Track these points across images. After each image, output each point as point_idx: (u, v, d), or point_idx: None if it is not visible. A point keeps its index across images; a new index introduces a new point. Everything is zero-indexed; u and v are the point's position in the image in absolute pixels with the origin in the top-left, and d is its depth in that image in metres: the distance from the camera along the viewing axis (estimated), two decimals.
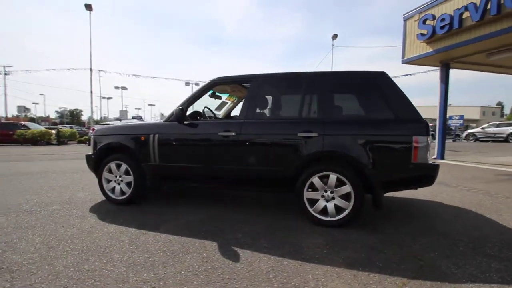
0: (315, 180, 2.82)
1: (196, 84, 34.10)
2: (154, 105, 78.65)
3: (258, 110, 3.11)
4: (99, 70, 15.27)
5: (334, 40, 19.73)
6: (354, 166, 2.74)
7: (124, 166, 3.43)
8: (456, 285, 1.80)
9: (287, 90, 3.09)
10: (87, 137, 15.87)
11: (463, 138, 20.86)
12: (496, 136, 18.27)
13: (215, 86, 3.38)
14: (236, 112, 4.88)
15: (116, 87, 38.73)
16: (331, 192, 2.80)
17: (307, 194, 2.86)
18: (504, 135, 17.81)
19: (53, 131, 15.48)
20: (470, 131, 20.57)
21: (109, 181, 3.55)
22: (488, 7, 5.22)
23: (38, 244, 2.35)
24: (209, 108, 3.92)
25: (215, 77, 3.34)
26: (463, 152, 11.45)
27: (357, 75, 2.95)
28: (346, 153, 2.74)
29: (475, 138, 19.60)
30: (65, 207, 3.42)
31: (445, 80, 7.74)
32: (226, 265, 2.03)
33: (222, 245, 2.36)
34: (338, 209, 2.78)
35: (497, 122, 21.20)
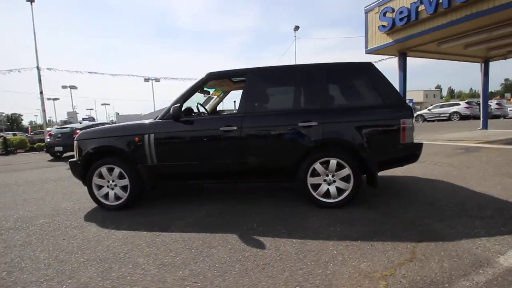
0: (317, 166, 3.01)
1: (157, 80, 32.41)
2: (108, 104, 72.75)
3: (257, 103, 3.17)
4: (49, 69, 13.58)
5: (296, 31, 20.29)
6: (352, 150, 2.99)
7: (117, 170, 3.26)
8: (455, 242, 2.13)
9: (283, 82, 3.20)
10: (40, 143, 14.31)
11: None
12: (441, 115, 20.62)
13: (209, 81, 3.35)
14: (221, 107, 4.88)
15: (64, 86, 35.06)
16: (332, 176, 3.02)
17: (310, 180, 3.04)
18: (447, 114, 20.21)
19: None
20: (418, 112, 22.83)
21: (100, 187, 3.35)
22: (440, 1, 5.88)
23: (46, 259, 2.19)
24: (201, 104, 3.87)
25: (208, 71, 3.31)
26: (417, 131, 12.77)
27: (347, 66, 3.17)
28: (344, 139, 2.97)
29: (423, 118, 21.86)
30: (55, 219, 3.17)
31: (402, 67, 8.54)
32: (255, 253, 2.12)
33: (242, 236, 2.43)
34: (339, 191, 3.02)
35: (440, 104, 23.87)
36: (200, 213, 3.10)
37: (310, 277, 1.77)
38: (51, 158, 10.19)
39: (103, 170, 3.28)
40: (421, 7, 6.32)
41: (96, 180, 3.32)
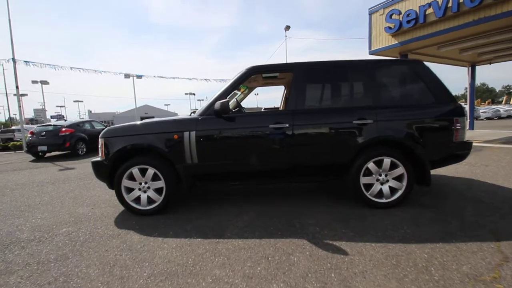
0: (371, 165, 2.91)
1: (139, 77, 30.86)
2: (81, 101, 68.44)
3: (306, 100, 3.00)
4: (27, 62, 12.25)
5: (287, 31, 20.29)
6: (407, 149, 2.92)
7: (151, 171, 2.94)
8: None
9: (334, 78, 3.05)
10: (15, 142, 13.04)
11: None
12: None
13: (252, 75, 3.13)
14: (244, 103, 4.65)
15: (34, 81, 32.56)
16: (386, 175, 2.94)
17: (363, 180, 2.93)
18: None
19: None
20: None
21: (131, 189, 3.01)
22: (450, 5, 6.08)
23: (100, 277, 1.87)
24: (237, 100, 3.63)
25: (251, 65, 3.09)
26: None
27: (398, 63, 3.10)
28: (399, 137, 2.89)
29: None
30: (80, 227, 2.78)
31: None
32: (343, 260, 1.95)
33: (313, 240, 2.26)
34: (392, 191, 2.94)
35: None
36: (247, 216, 2.87)
37: (423, 284, 1.64)
38: (33, 158, 9.29)
39: (135, 171, 2.95)
40: (429, 11, 6.51)
41: (126, 182, 2.97)
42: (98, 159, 3.11)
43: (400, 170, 2.90)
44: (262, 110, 12.35)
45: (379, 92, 3.00)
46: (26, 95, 40.00)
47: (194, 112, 3.22)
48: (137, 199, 3.02)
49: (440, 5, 6.22)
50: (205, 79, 24.71)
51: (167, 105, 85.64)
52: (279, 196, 3.53)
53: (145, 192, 3.01)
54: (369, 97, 2.98)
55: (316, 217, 2.75)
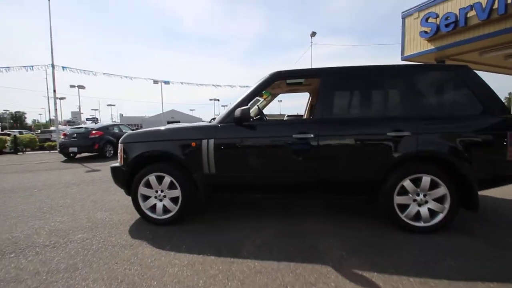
0: (407, 183, 2.58)
1: (166, 83, 32.05)
2: (114, 105, 72.37)
3: (335, 108, 2.75)
4: (64, 67, 13.16)
5: (312, 37, 20.03)
6: (450, 166, 2.55)
7: (168, 179, 2.84)
8: None
9: (367, 84, 2.78)
10: (50, 143, 13.91)
11: None
12: None
13: (275, 81, 2.94)
14: (266, 110, 4.47)
15: (72, 86, 34.84)
16: (424, 196, 2.59)
17: (397, 199, 2.60)
18: None
19: (8, 138, 13.31)
20: None
21: (147, 197, 2.92)
22: (495, 6, 5.52)
23: None
24: (258, 107, 3.46)
25: (274, 71, 2.91)
26: None
27: (441, 68, 2.76)
28: (442, 153, 2.54)
29: None
30: (95, 234, 2.73)
31: None
32: None
33: (339, 269, 1.98)
34: (432, 214, 2.59)
35: None
36: (266, 233, 2.65)
37: None
38: (65, 159, 9.78)
39: (152, 178, 2.86)
40: (471, 13, 5.96)
41: (142, 189, 2.89)
42: (117, 164, 3.06)
43: (442, 190, 2.54)
44: (285, 117, 12.11)
45: (419, 101, 2.67)
46: (65, 98, 43.03)
47: (214, 119, 3.09)
48: (153, 208, 2.92)
49: (484, 6, 5.67)
50: (229, 85, 25.00)
51: (192, 110, 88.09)
52: (300, 212, 3.27)
53: (161, 200, 2.90)
54: (406, 106, 2.66)
55: (342, 240, 2.47)
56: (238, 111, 2.69)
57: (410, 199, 2.61)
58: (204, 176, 2.80)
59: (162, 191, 2.88)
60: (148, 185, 2.90)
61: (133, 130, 12.51)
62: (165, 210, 2.90)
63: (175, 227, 2.82)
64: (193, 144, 2.79)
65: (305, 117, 4.60)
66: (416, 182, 2.58)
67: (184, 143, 2.82)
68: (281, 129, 2.77)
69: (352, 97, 2.85)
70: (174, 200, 2.89)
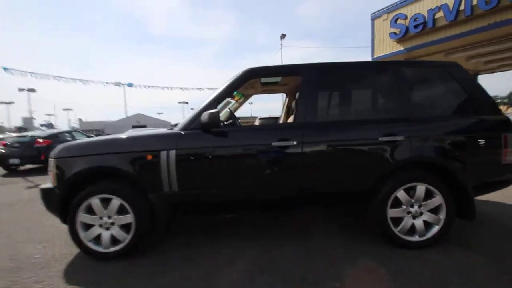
0: (400, 193, 2.27)
1: (129, 85, 30.08)
2: (71, 109, 66.82)
3: (319, 111, 2.37)
4: (5, 68, 11.39)
5: (282, 39, 20.02)
6: (446, 173, 2.29)
7: (116, 202, 2.24)
8: None
9: (355, 83, 2.43)
10: None
11: None
12: None
13: (249, 79, 2.48)
14: (239, 113, 4.01)
15: (21, 89, 31.50)
16: (419, 207, 2.30)
17: (391, 212, 2.28)
18: None
19: None
20: None
21: (89, 226, 2.29)
22: (462, 8, 5.64)
23: None
24: (230, 110, 2.97)
25: (248, 67, 2.45)
26: None
27: (433, 65, 2.50)
28: (437, 158, 2.26)
29: None
30: (15, 280, 2.04)
31: None
32: None
33: None
34: (426, 226, 2.31)
35: None
36: (244, 261, 2.16)
37: None
38: (5, 172, 8.40)
39: (95, 201, 2.24)
40: (439, 14, 6.07)
41: (82, 216, 2.26)
42: (49, 185, 2.38)
43: (438, 200, 2.27)
44: (257, 120, 11.68)
45: (411, 101, 2.38)
46: (13, 102, 38.81)
47: (175, 126, 2.54)
48: (97, 238, 2.30)
49: (451, 8, 5.79)
50: (197, 88, 24.17)
51: (160, 114, 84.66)
52: (282, 230, 2.83)
53: (108, 229, 2.29)
54: (398, 107, 2.35)
55: (334, 264, 2.07)
56: (205, 115, 2.18)
57: (404, 211, 2.30)
58: (164, 196, 2.25)
59: (109, 217, 2.27)
60: (90, 210, 2.27)
61: (90, 137, 11.30)
62: (114, 240, 2.29)
63: (127, 262, 2.23)
64: (149, 156, 2.23)
65: (281, 121, 4.20)
66: (409, 192, 2.29)
67: (137, 156, 2.24)
68: (257, 136, 2.31)
69: (338, 97, 2.49)
70: (125, 227, 2.30)
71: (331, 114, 2.41)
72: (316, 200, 2.36)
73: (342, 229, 2.77)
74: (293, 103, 3.32)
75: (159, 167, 2.22)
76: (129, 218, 2.25)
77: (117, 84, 25.36)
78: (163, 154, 2.22)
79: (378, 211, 2.28)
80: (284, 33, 20.06)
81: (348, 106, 2.46)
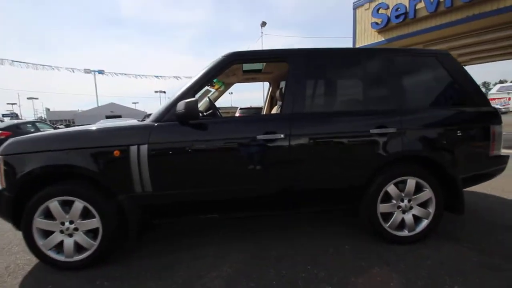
0: (391, 188, 2.19)
1: (100, 72, 28.16)
2: (36, 98, 61.68)
3: (308, 101, 2.19)
4: None
5: (263, 27, 19.52)
6: (437, 166, 2.22)
7: (79, 205, 1.95)
8: None
9: (345, 70, 2.27)
10: None
11: None
12: None
13: (232, 65, 2.23)
14: (218, 103, 3.74)
15: None
16: (409, 201, 2.23)
17: (381, 208, 2.19)
18: None
19: None
20: None
21: (48, 232, 2.00)
22: None
23: None
24: (210, 99, 2.71)
25: (230, 52, 2.20)
26: None
27: (424, 53, 2.39)
28: (429, 151, 2.19)
29: None
30: None
31: None
32: None
33: None
34: (416, 220, 2.26)
35: None
36: (227, 268, 1.98)
37: None
38: None
39: (54, 205, 1.94)
40: (420, 5, 6.07)
41: (39, 222, 1.95)
42: None
43: (427, 194, 2.21)
44: (238, 110, 11.38)
45: (403, 92, 2.26)
46: None
47: (148, 116, 2.26)
48: (59, 246, 2.01)
49: None
50: (174, 77, 23.23)
51: (135, 103, 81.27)
52: (267, 230, 2.67)
53: (71, 235, 2.00)
54: (390, 97, 2.23)
55: (325, 267, 1.94)
56: (181, 105, 1.92)
57: (394, 206, 2.22)
58: (136, 197, 1.99)
59: (71, 222, 1.98)
60: (48, 215, 1.96)
61: (55, 128, 10.47)
62: (79, 248, 2.01)
63: (95, 272, 1.97)
64: (116, 152, 1.94)
65: (264, 111, 3.99)
66: (399, 186, 2.21)
67: (102, 151, 1.95)
68: (241, 128, 2.09)
69: (329, 86, 2.32)
70: (91, 233, 2.02)
71: (321, 105, 2.24)
72: (307, 199, 2.22)
73: (331, 223, 2.67)
74: (277, 93, 3.12)
75: (128, 165, 1.95)
76: (95, 222, 1.98)
77: (86, 71, 23.72)
78: (133, 149, 1.95)
79: (369, 206, 2.18)
80: (264, 21, 19.60)
81: (339, 96, 2.30)
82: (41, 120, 9.70)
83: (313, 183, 2.15)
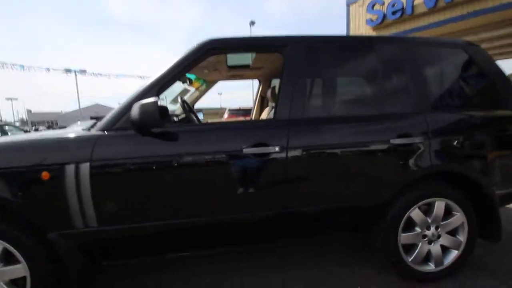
0: (415, 212, 1.72)
1: (83, 71, 26.82)
2: (16, 99, 58.48)
3: (309, 103, 1.69)
4: None
5: (251, 26, 19.02)
6: (472, 183, 1.77)
7: None
8: None
9: (358, 64, 1.77)
10: None
11: None
12: None
13: (209, 55, 1.70)
14: (205, 103, 3.20)
15: None
16: (436, 228, 1.76)
17: (403, 238, 1.72)
18: None
19: None
20: None
21: None
22: None
23: None
24: (182, 100, 2.16)
25: (207, 38, 1.67)
26: None
27: (450, 44, 1.93)
28: (463, 166, 1.74)
29: None
30: None
31: None
32: None
33: None
34: (444, 251, 1.80)
35: None
36: None
37: None
38: None
39: None
40: (418, 1, 5.73)
41: None
42: None
43: (459, 218, 1.77)
44: (227, 112, 10.77)
45: (428, 91, 1.80)
46: None
47: (96, 120, 1.69)
48: None
49: None
50: None
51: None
52: (262, 261, 2.16)
53: None
54: (412, 97, 1.76)
55: None
56: (137, 108, 1.38)
57: (419, 235, 1.75)
58: (75, 236, 1.44)
59: None
60: None
61: (26, 131, 9.61)
62: None
63: None
64: (45, 175, 1.38)
65: (253, 115, 3.47)
66: (422, 209, 1.75)
67: (23, 172, 1.39)
68: (222, 139, 1.56)
69: (336, 84, 1.83)
70: (14, 284, 1.46)
71: (326, 108, 1.74)
72: (303, 227, 1.72)
73: (338, 250, 2.18)
74: (268, 92, 2.62)
75: (63, 191, 1.39)
76: (19, 269, 1.42)
77: (67, 70, 22.58)
78: (70, 169, 1.39)
79: (387, 237, 1.71)
80: (253, 20, 19.11)
81: (350, 96, 1.82)
82: (10, 124, 8.87)
83: (314, 210, 1.65)
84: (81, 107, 35.77)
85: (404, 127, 1.67)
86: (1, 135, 8.18)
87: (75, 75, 23.98)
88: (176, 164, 1.48)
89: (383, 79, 1.75)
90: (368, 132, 1.66)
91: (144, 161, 1.46)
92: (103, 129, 1.49)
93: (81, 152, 1.40)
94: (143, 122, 1.38)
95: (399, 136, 1.63)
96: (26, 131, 9.53)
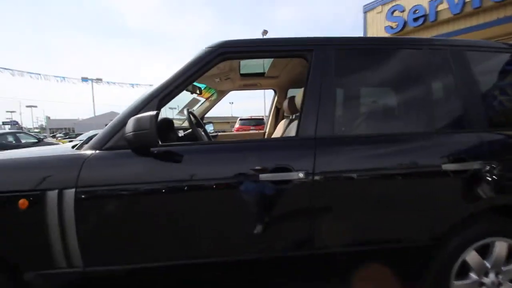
0: (471, 256, 1.38)
1: (98, 80, 27.52)
2: (35, 106, 61.24)
3: (341, 118, 1.41)
4: None
5: (264, 36, 19.04)
6: None
7: None
8: None
9: (399, 72, 1.48)
10: None
11: None
12: None
13: (221, 60, 1.46)
14: (215, 113, 2.98)
15: None
16: (497, 274, 1.42)
17: (457, 286, 1.39)
18: None
19: None
20: None
21: None
22: None
23: None
24: (192, 114, 1.92)
25: (219, 41, 1.43)
26: None
27: (503, 48, 1.62)
28: None
29: None
30: None
31: None
32: None
33: None
34: None
35: None
36: None
37: None
38: None
39: None
40: (442, 6, 5.42)
41: None
42: None
43: None
44: (238, 122, 10.55)
45: (485, 104, 1.48)
46: None
47: (91, 139, 1.46)
48: None
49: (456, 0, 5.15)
50: None
51: None
52: None
53: None
54: (470, 114, 1.44)
55: None
56: (131, 123, 1.14)
57: (475, 284, 1.41)
58: (56, 277, 1.19)
59: None
60: None
61: (40, 139, 9.69)
62: None
63: None
64: (23, 203, 1.15)
65: (268, 128, 3.19)
66: (484, 251, 1.41)
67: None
68: (233, 161, 1.30)
69: (373, 95, 1.54)
70: None
71: (361, 124, 1.45)
72: (332, 274, 1.41)
73: None
74: (285, 103, 2.34)
75: (43, 223, 1.15)
76: None
77: (84, 79, 23.21)
78: (52, 196, 1.15)
79: (436, 286, 1.38)
80: (266, 29, 19.15)
81: (389, 111, 1.52)
82: (21, 131, 8.97)
83: (349, 245, 1.35)
84: (96, 114, 36.64)
85: (458, 149, 1.36)
86: (15, 142, 8.24)
87: (91, 83, 24.64)
88: (178, 192, 1.22)
89: (433, 90, 1.45)
90: (414, 156, 1.35)
91: (139, 187, 1.21)
92: (94, 148, 1.26)
93: (65, 176, 1.17)
94: (139, 140, 1.13)
95: (453, 161, 1.32)
96: (40, 139, 9.61)
